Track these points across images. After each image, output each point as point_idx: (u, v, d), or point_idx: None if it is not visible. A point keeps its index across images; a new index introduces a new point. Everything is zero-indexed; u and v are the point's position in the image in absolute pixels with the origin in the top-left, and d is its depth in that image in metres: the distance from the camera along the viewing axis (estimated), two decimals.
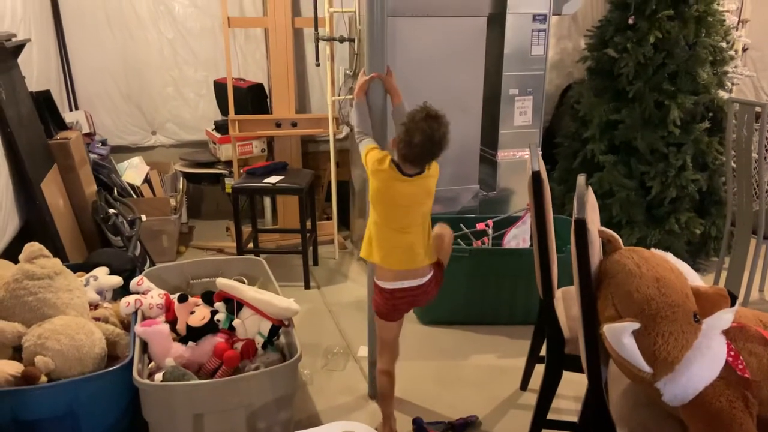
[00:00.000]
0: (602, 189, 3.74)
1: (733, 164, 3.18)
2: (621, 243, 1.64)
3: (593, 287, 1.56)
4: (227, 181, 4.24)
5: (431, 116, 2.00)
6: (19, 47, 2.92)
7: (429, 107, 2.03)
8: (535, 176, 2.03)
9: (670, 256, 1.64)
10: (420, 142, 1.97)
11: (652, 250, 1.64)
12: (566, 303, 2.28)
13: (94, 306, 2.39)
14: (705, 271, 3.74)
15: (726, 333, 1.51)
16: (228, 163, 4.18)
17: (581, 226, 1.50)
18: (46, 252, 2.21)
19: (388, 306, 2.18)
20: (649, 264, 1.53)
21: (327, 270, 3.85)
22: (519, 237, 3.26)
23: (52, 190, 2.82)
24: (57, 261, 2.23)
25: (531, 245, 3.05)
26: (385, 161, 2.07)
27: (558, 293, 2.29)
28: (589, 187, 1.82)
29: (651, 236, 3.63)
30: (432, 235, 2.21)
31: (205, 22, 4.36)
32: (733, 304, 1.50)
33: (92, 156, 3.64)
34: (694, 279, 1.60)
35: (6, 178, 2.57)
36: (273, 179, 3.58)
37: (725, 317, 1.50)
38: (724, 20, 3.71)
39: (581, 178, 1.84)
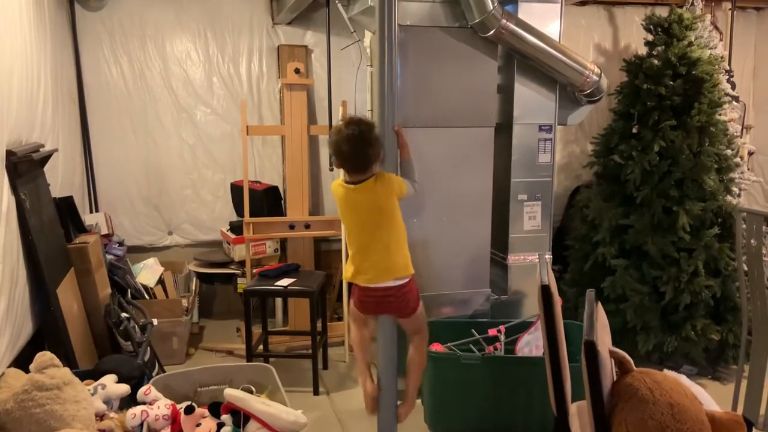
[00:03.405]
0: (615, 293, 3.72)
1: (745, 268, 3.16)
2: (633, 364, 1.63)
3: (606, 411, 1.53)
4: (240, 281, 4.28)
5: (351, 122, 2.31)
6: (47, 157, 3.05)
7: (350, 116, 2.41)
8: (545, 290, 2.04)
9: (683, 378, 1.62)
10: (348, 148, 2.26)
11: (665, 371, 1.62)
12: (581, 419, 2.21)
13: (100, 416, 2.35)
14: (725, 379, 3.63)
15: None
16: (241, 263, 4.24)
17: (591, 349, 1.49)
18: (57, 361, 2.22)
19: (360, 299, 2.49)
20: (662, 388, 1.51)
21: (336, 374, 3.79)
22: (532, 344, 3.22)
23: (67, 295, 2.86)
24: (66, 371, 2.23)
25: (544, 353, 3.00)
26: (337, 181, 2.42)
27: (573, 408, 2.23)
28: (599, 304, 1.82)
29: (668, 343, 3.56)
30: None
31: (224, 128, 4.56)
32: (749, 431, 1.47)
33: (109, 257, 3.70)
34: (709, 403, 1.57)
35: (23, 285, 2.61)
36: (285, 282, 3.61)
37: None
38: (727, 129, 3.81)
39: (590, 294, 1.84)
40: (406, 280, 2.43)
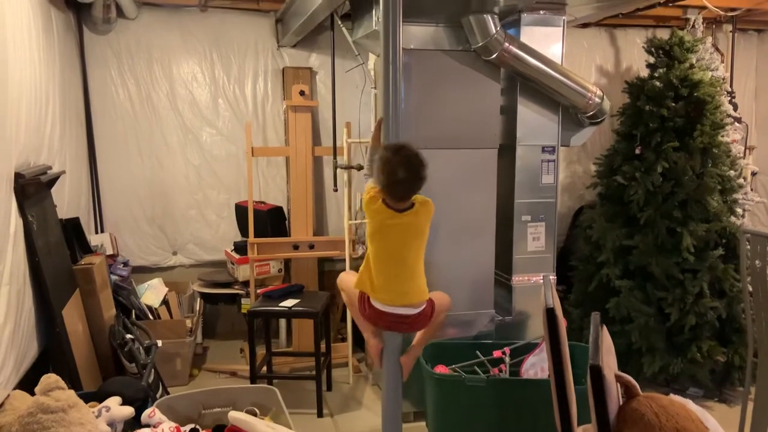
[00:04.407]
0: (620, 314, 3.71)
1: (750, 289, 3.15)
2: (639, 389, 1.62)
3: None
4: (244, 301, 4.28)
5: (403, 147, 2.19)
6: (54, 179, 3.08)
7: (396, 143, 2.25)
8: (549, 313, 2.03)
9: (690, 404, 1.61)
10: (405, 174, 2.14)
11: (671, 396, 1.61)
12: None
13: None
14: (732, 402, 3.60)
15: None
16: (245, 283, 4.24)
17: (597, 373, 1.49)
18: (62, 384, 2.22)
19: (372, 319, 2.39)
20: (668, 413, 1.50)
21: (341, 396, 3.77)
22: (537, 365, 3.20)
23: (72, 316, 2.86)
24: (71, 393, 2.22)
25: (549, 376, 2.97)
26: (377, 200, 2.26)
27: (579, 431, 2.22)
28: (604, 327, 1.82)
29: (673, 365, 3.54)
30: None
31: (230, 149, 4.59)
32: None
33: (113, 277, 3.71)
34: (715, 428, 1.56)
35: (30, 306, 2.63)
36: (289, 302, 3.61)
37: None
38: (730, 150, 3.82)
39: (596, 317, 1.84)
40: (423, 306, 2.39)
